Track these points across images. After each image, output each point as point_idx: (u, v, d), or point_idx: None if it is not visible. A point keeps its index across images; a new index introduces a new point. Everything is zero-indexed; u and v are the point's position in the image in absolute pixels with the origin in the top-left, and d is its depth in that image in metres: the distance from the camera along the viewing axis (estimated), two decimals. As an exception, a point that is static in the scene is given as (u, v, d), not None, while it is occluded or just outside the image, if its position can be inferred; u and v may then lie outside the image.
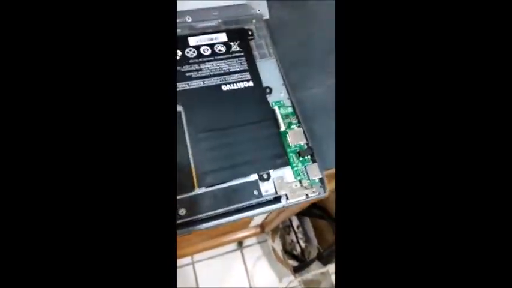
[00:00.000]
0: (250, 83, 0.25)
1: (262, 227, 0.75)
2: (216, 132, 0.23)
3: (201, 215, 0.21)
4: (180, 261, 0.86)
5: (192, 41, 0.27)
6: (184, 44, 0.27)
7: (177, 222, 0.20)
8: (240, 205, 0.21)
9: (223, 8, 0.30)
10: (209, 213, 0.21)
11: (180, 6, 0.30)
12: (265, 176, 0.22)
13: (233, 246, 0.91)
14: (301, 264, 0.63)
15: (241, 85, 0.25)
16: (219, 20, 0.30)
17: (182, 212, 0.20)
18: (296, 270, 0.63)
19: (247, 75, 0.26)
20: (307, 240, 0.66)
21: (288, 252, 0.66)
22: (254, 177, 0.22)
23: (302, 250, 0.65)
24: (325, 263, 0.60)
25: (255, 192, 0.22)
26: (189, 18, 0.29)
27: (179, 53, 0.26)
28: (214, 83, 0.25)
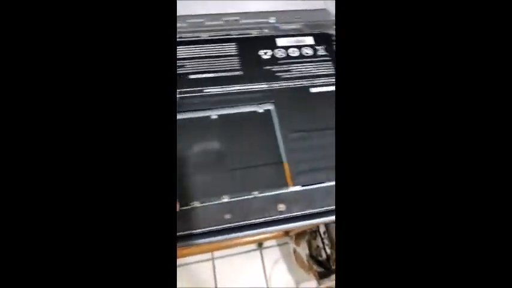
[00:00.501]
0: (338, 88, 0.26)
1: (286, 230, 0.76)
2: (308, 133, 0.24)
3: (299, 212, 0.21)
4: (200, 256, 0.87)
5: (280, 41, 0.28)
6: (272, 44, 0.27)
7: (278, 217, 0.21)
8: (334, 207, 0.22)
9: (304, 11, 0.31)
10: (307, 211, 0.21)
11: (262, 7, 0.31)
12: (359, 180, 0.22)
13: (253, 246, 0.91)
14: (326, 271, 0.63)
15: (328, 89, 0.26)
16: (302, 23, 0.30)
17: (282, 207, 0.21)
18: (321, 277, 0.63)
19: (334, 80, 0.26)
20: (333, 246, 0.66)
21: (313, 257, 0.66)
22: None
23: (328, 256, 0.65)
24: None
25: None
26: (272, 19, 0.30)
27: (268, 52, 0.27)
28: (303, 85, 0.26)
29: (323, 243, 0.67)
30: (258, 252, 0.93)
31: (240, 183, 0.21)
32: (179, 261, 0.85)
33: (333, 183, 0.22)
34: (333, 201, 0.22)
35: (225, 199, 0.21)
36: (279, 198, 0.21)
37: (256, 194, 0.21)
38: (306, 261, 0.69)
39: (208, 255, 0.94)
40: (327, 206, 0.22)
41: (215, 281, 0.88)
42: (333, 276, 0.64)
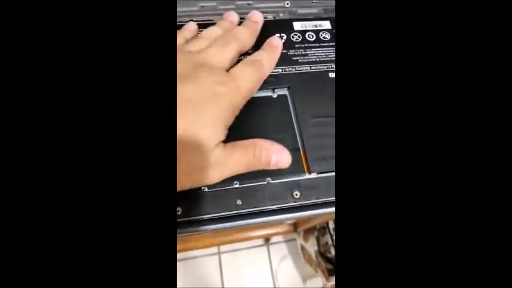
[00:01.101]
0: (357, 73, 0.25)
1: (295, 226, 0.75)
2: (324, 119, 0.23)
3: (314, 200, 0.20)
4: (206, 251, 0.87)
5: (297, 25, 0.27)
6: (289, 28, 0.26)
7: (292, 204, 0.20)
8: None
9: (322, -4, 0.30)
10: (322, 199, 0.20)
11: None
12: (378, 169, 0.21)
13: (260, 241, 0.91)
14: (334, 267, 0.62)
15: (347, 74, 0.25)
16: (320, 8, 0.29)
17: (296, 194, 0.20)
18: (330, 274, 0.62)
19: (354, 65, 0.25)
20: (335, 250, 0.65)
21: (322, 254, 0.65)
22: (365, 168, 0.22)
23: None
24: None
25: (368, 184, 0.21)
26: (288, 4, 0.29)
27: (284, 36, 0.26)
28: (321, 70, 0.25)
29: (332, 240, 0.66)
30: (264, 248, 0.93)
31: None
32: (185, 254, 0.85)
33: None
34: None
35: (236, 185, 0.20)
36: (294, 185, 0.20)
37: (269, 180, 0.20)
38: (314, 258, 0.68)
39: (214, 250, 0.94)
40: (344, 195, 0.21)
41: (221, 275, 0.87)
42: (342, 274, 0.63)
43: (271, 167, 0.20)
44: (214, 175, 0.18)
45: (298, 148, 0.22)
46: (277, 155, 0.19)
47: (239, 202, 0.19)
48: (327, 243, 0.65)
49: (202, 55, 0.20)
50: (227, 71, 0.20)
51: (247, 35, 0.23)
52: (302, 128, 0.22)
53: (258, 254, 0.91)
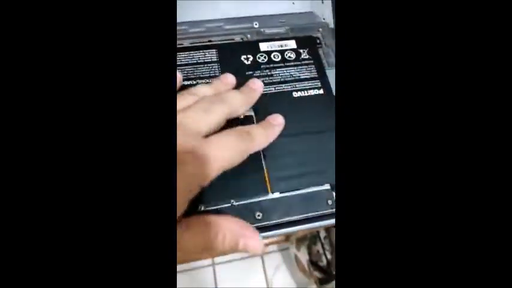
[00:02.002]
0: (321, 91, 0.25)
1: (287, 235, 0.75)
2: (288, 138, 0.23)
3: (276, 221, 0.21)
4: (200, 262, 0.87)
5: (263, 46, 0.27)
6: (255, 49, 0.27)
7: (253, 226, 0.20)
8: (314, 214, 0.21)
9: (290, 15, 0.31)
10: (283, 219, 0.21)
11: (246, 12, 0.30)
12: (339, 186, 0.22)
13: (254, 251, 0.90)
14: (326, 276, 0.62)
15: (312, 92, 0.25)
16: (287, 27, 0.30)
17: (259, 215, 0.21)
18: (322, 282, 0.62)
19: (318, 83, 0.26)
20: (334, 251, 0.65)
21: (314, 263, 0.65)
22: (327, 186, 0.22)
23: (328, 262, 0.64)
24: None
25: (329, 202, 0.21)
26: (256, 24, 0.30)
27: (250, 57, 0.27)
28: (285, 90, 0.25)
29: (323, 248, 0.66)
30: (259, 258, 0.93)
31: (217, 192, 0.21)
32: (180, 267, 0.85)
33: (313, 189, 0.22)
34: (312, 208, 0.21)
35: (201, 208, 0.20)
36: (256, 207, 0.21)
37: (233, 202, 0.21)
38: (306, 267, 0.68)
39: (209, 261, 0.93)
40: (306, 213, 0.21)
41: (216, 286, 0.87)
42: (334, 282, 0.63)
43: (238, 251, 0.18)
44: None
45: (262, 167, 0.22)
46: (246, 240, 0.18)
47: None
48: (318, 251, 0.66)
49: (180, 114, 0.18)
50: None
51: (238, 100, 0.21)
52: (265, 148, 0.23)
53: (252, 264, 0.91)
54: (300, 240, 0.68)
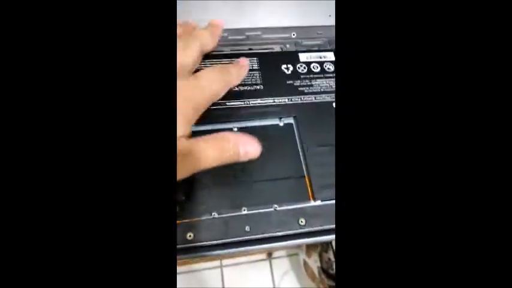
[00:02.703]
0: (359, 103, 0.26)
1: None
2: (329, 148, 0.24)
3: (318, 227, 0.21)
4: (208, 264, 0.87)
5: (303, 57, 0.28)
6: (295, 59, 0.28)
7: (297, 231, 0.21)
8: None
9: (326, 27, 0.32)
10: (327, 226, 0.21)
11: (286, 23, 0.31)
12: (380, 197, 0.22)
13: (262, 255, 0.90)
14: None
15: (350, 104, 0.26)
16: (324, 39, 0.31)
17: (302, 221, 0.21)
18: (333, 290, 0.62)
19: (356, 95, 0.27)
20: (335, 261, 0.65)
21: (325, 270, 0.65)
22: (367, 196, 0.23)
23: (339, 270, 0.64)
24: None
25: (370, 212, 0.22)
26: (294, 35, 0.31)
27: (290, 67, 0.27)
28: (325, 100, 0.26)
29: (335, 256, 0.66)
30: (267, 262, 0.92)
31: (260, 196, 0.22)
32: (188, 267, 0.85)
33: (354, 199, 0.22)
34: (354, 217, 0.22)
35: (245, 211, 0.21)
36: (299, 212, 0.21)
37: (276, 207, 0.22)
38: (316, 274, 0.68)
39: (216, 263, 0.93)
40: (347, 222, 0.22)
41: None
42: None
43: (241, 159, 0.20)
44: (178, 168, 0.17)
45: (304, 175, 0.23)
46: (245, 146, 0.20)
47: (247, 228, 0.21)
48: (329, 259, 0.66)
49: None
50: (193, 72, 0.22)
51: (208, 36, 0.24)
52: (307, 156, 0.23)
53: (260, 269, 0.91)
54: (311, 247, 0.68)
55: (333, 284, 0.63)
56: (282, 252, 0.90)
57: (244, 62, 0.26)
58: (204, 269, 0.86)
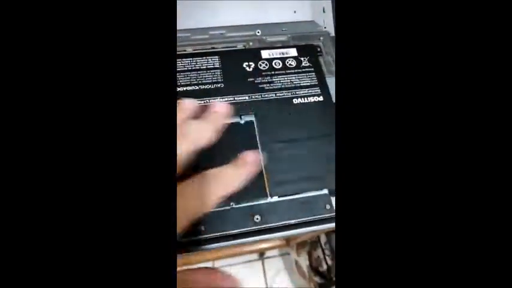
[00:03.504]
0: (320, 98, 0.26)
1: (287, 240, 0.75)
2: (288, 144, 0.24)
3: (274, 224, 0.21)
4: (201, 266, 0.87)
5: (265, 54, 0.28)
6: (257, 57, 0.28)
7: (252, 228, 0.21)
8: (312, 218, 0.21)
9: (291, 24, 0.32)
10: (282, 222, 0.21)
11: (250, 21, 0.31)
12: (337, 191, 0.22)
13: (254, 256, 0.90)
14: (327, 282, 0.62)
15: (312, 99, 0.26)
16: (288, 35, 0.31)
17: (257, 218, 0.21)
18: (322, 288, 0.62)
19: (318, 90, 0.26)
20: (334, 257, 0.65)
21: (314, 268, 0.65)
22: (325, 191, 0.23)
23: (328, 267, 0.64)
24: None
25: (327, 207, 0.22)
26: (258, 32, 0.31)
27: (252, 64, 0.27)
28: (285, 96, 0.26)
29: (324, 253, 0.66)
30: (259, 262, 0.92)
31: None
32: (179, 268, 0.85)
33: (311, 194, 0.22)
34: (310, 212, 0.22)
35: None
36: (255, 209, 0.21)
37: (233, 204, 0.21)
38: (306, 272, 0.68)
39: (209, 264, 0.93)
40: (304, 217, 0.21)
41: (216, 290, 0.86)
42: (334, 288, 0.63)
43: None
44: None
45: (262, 172, 0.23)
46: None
47: (202, 228, 0.20)
48: (318, 257, 0.65)
49: None
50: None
51: (203, 131, 0.20)
52: (265, 152, 0.23)
53: (252, 269, 0.91)
54: (301, 246, 0.68)
55: (321, 281, 0.63)
56: (275, 252, 0.90)
57: (250, 158, 0.20)
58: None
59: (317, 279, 0.63)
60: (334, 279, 0.62)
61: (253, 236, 0.21)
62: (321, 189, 0.22)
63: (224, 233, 0.21)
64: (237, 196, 0.22)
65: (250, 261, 0.90)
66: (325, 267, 0.65)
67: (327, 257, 0.66)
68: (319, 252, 0.66)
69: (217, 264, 0.87)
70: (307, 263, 0.65)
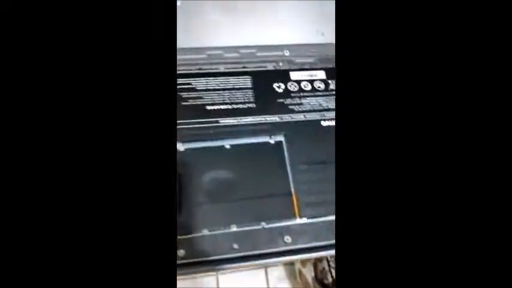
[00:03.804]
0: (348, 122, 0.27)
1: (293, 249, 0.75)
2: (317, 166, 0.25)
3: (304, 245, 0.22)
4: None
5: (294, 75, 0.29)
6: (286, 78, 0.29)
7: (283, 249, 0.21)
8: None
9: (319, 45, 0.33)
10: (312, 244, 0.22)
11: (277, 41, 0.32)
12: (364, 216, 0.23)
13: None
14: (332, 294, 0.62)
15: (339, 123, 0.27)
16: (316, 57, 0.32)
17: (287, 239, 0.22)
18: (327, 300, 0.62)
19: (345, 114, 0.27)
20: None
21: (319, 280, 0.65)
22: (353, 214, 0.23)
23: (333, 280, 0.64)
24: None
25: (355, 230, 0.23)
26: (287, 53, 0.32)
27: (282, 85, 0.28)
28: (314, 118, 0.27)
29: (329, 265, 0.66)
30: (262, 270, 0.92)
31: (248, 213, 0.22)
32: (181, 272, 0.85)
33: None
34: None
35: (234, 228, 0.22)
36: (285, 230, 0.22)
37: (264, 224, 0.22)
38: (311, 284, 0.68)
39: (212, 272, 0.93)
40: (332, 240, 0.22)
41: (219, 297, 0.86)
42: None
43: None
44: None
45: (291, 192, 0.24)
46: None
47: (236, 246, 0.21)
48: (324, 269, 0.66)
49: None
50: None
51: None
52: (295, 173, 0.24)
53: (255, 276, 0.91)
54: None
55: (326, 293, 0.63)
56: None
57: None
58: (200, 275, 0.86)
59: (322, 291, 0.64)
60: (338, 292, 0.63)
61: (283, 256, 0.21)
62: (349, 212, 0.23)
63: (255, 252, 0.21)
64: (265, 216, 0.22)
65: (253, 268, 0.90)
66: (330, 279, 0.65)
67: (332, 270, 0.66)
68: (324, 264, 0.66)
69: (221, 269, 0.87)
70: (313, 274, 0.65)
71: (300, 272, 0.75)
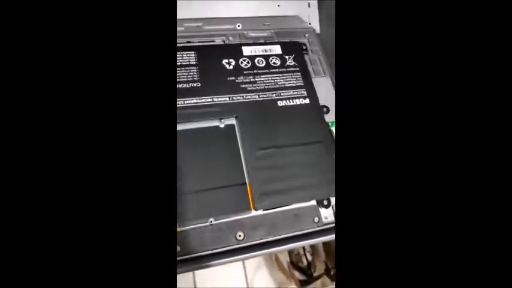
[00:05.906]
0: (307, 100, 0.24)
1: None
2: (273, 150, 0.22)
3: (259, 240, 0.19)
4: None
5: (246, 50, 0.26)
6: (237, 53, 0.25)
7: (234, 247, 0.19)
8: (300, 232, 0.20)
9: (274, 18, 0.29)
10: (268, 238, 0.19)
11: (228, 13, 0.29)
12: (325, 203, 0.21)
13: (234, 252, 0.89)
14: (308, 278, 0.62)
15: (297, 102, 0.24)
16: (271, 31, 0.29)
17: (240, 236, 0.19)
18: (303, 284, 0.62)
19: (304, 92, 0.25)
20: (315, 253, 0.65)
21: (294, 264, 0.65)
22: (313, 202, 0.21)
23: (308, 263, 0.64)
24: (333, 279, 0.59)
25: (316, 219, 0.20)
26: (239, 26, 0.28)
27: (232, 62, 0.25)
28: (269, 98, 0.24)
29: (304, 249, 0.66)
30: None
31: (195, 208, 0.19)
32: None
33: (299, 205, 0.21)
34: (297, 226, 0.20)
35: (179, 228, 0.19)
36: (237, 225, 0.19)
37: (212, 221, 0.19)
38: (286, 268, 0.68)
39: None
40: (292, 232, 0.20)
41: (194, 285, 0.85)
42: (314, 283, 0.63)
43: None
44: None
45: (245, 182, 0.21)
46: None
47: (178, 248, 0.18)
48: (298, 253, 0.65)
49: None
50: None
51: None
52: (249, 160, 0.21)
53: (232, 266, 0.90)
54: (281, 242, 0.68)
55: (302, 277, 0.63)
56: (255, 247, 0.89)
57: None
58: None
59: (297, 274, 0.63)
60: (315, 274, 0.63)
61: (235, 255, 0.19)
62: (309, 200, 0.21)
63: (202, 253, 0.19)
64: (216, 210, 0.20)
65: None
66: (305, 263, 0.65)
67: (307, 253, 0.66)
68: (299, 248, 0.66)
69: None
70: (287, 259, 0.65)
71: (277, 257, 0.74)
